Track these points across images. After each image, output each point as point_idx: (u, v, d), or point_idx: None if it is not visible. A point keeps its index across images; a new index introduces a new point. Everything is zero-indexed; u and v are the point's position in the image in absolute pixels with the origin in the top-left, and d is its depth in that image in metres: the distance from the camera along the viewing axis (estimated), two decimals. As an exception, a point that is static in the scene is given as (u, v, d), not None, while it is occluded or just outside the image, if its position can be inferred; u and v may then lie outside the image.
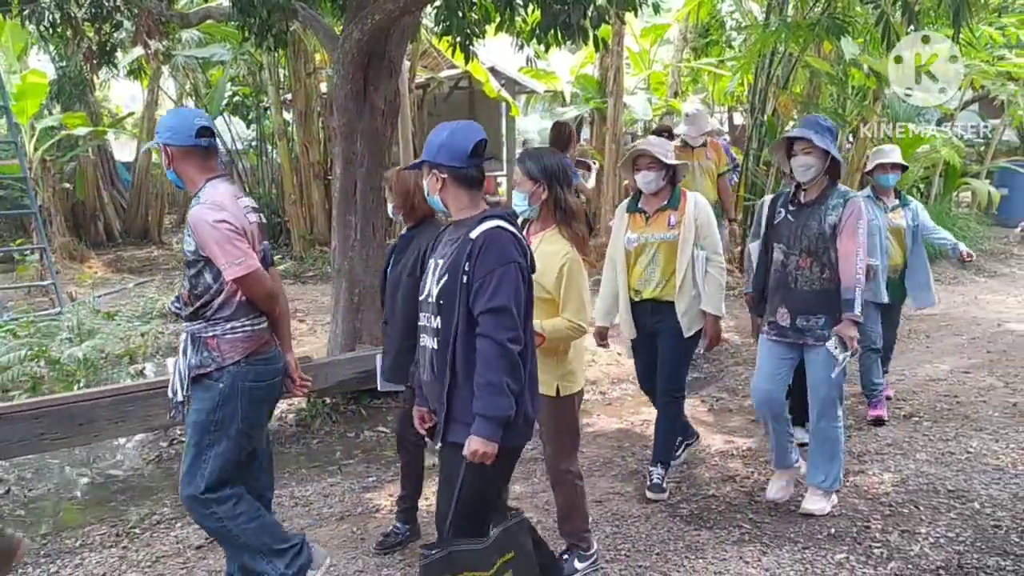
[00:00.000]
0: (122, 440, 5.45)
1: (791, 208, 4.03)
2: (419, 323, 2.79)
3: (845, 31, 8.39)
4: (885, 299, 5.19)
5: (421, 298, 2.76)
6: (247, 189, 14.08)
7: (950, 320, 8.28)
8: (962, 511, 4.01)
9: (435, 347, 2.67)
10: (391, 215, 3.71)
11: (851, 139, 10.73)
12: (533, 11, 6.34)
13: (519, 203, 3.31)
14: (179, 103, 15.93)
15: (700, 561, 3.61)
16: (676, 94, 14.05)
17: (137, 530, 4.30)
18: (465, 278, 2.57)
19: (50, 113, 13.24)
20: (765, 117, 10.28)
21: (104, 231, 14.82)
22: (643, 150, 4.22)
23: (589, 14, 5.95)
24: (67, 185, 13.74)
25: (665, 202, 4.26)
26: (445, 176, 2.69)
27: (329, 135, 11.71)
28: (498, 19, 6.44)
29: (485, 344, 2.53)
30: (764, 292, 4.15)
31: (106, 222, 14.91)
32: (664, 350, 4.29)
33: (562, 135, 6.83)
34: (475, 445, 2.52)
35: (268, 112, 13.45)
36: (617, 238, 4.37)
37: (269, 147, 14.30)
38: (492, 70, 12.92)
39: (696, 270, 4.17)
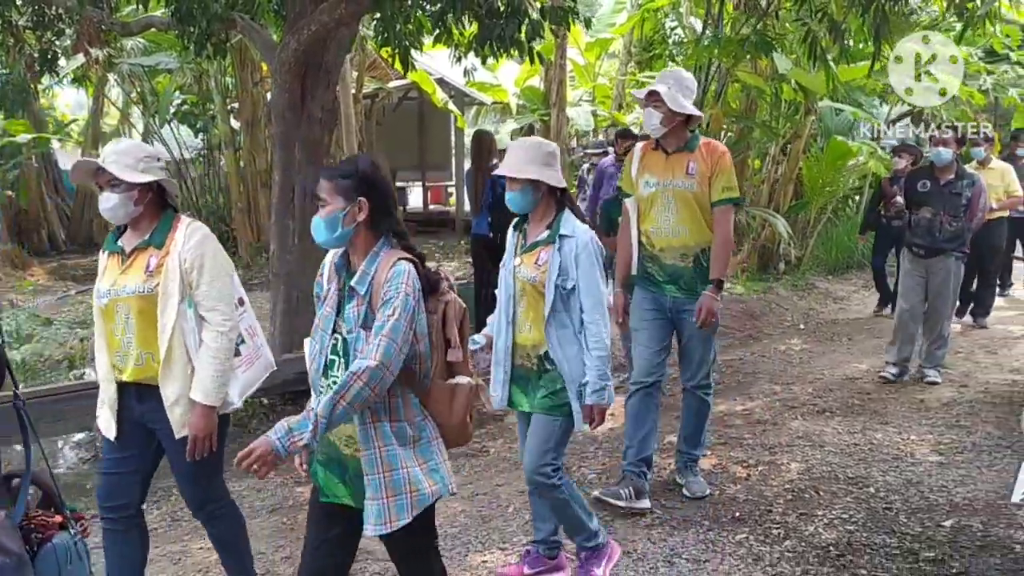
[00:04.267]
0: (58, 440, 5.50)
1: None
2: None
3: (773, 47, 8.78)
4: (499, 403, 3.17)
5: None
6: (194, 198, 14.09)
7: (872, 323, 8.68)
8: (858, 495, 4.29)
9: None
10: None
11: (784, 152, 11.14)
12: (470, 24, 6.56)
13: None
14: (125, 111, 15.86)
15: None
16: (620, 107, 14.40)
17: (70, 525, 4.38)
18: None
19: (-9, 120, 13.13)
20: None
21: (47, 239, 14.67)
22: (82, 161, 3.11)
23: (524, 28, 6.19)
24: (9, 193, 13.60)
25: (147, 236, 2.94)
26: None
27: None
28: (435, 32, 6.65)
29: None
30: None
31: (49, 230, 14.77)
32: (168, 453, 3.03)
33: (483, 144, 7.07)
34: None
35: (215, 121, 13.49)
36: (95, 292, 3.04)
37: (217, 156, 14.31)
38: (440, 81, 13.11)
39: (187, 337, 2.88)
